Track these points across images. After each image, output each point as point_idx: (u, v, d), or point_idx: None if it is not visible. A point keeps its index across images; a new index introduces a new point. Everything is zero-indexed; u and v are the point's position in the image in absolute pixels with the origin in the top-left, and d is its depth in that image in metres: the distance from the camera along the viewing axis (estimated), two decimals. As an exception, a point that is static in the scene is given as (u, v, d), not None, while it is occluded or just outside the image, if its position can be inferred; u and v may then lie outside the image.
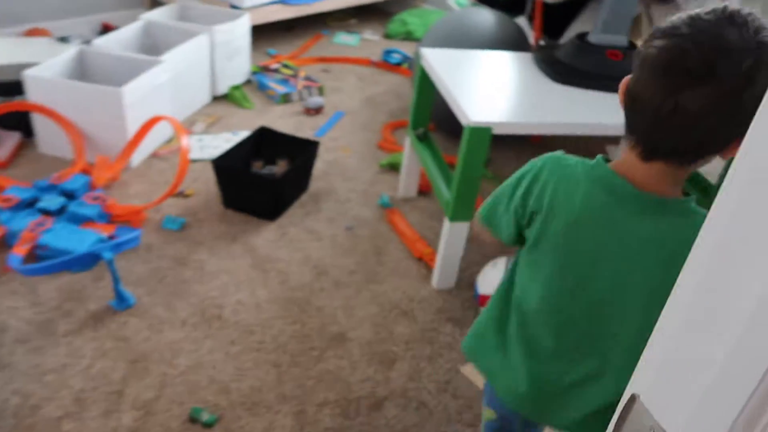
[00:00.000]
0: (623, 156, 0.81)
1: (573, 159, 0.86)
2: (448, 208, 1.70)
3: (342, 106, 2.88)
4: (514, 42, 2.43)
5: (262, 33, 3.48)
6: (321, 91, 2.94)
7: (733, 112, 0.69)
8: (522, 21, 3.06)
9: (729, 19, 0.69)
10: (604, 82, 1.81)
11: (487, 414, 1.05)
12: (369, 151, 2.55)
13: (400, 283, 1.84)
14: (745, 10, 0.70)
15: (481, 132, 1.56)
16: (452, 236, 1.74)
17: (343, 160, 2.46)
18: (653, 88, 0.73)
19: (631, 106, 0.77)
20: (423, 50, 1.96)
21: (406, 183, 2.24)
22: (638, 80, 0.76)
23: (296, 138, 2.27)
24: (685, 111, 0.70)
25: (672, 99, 0.70)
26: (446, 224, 1.73)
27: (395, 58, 3.41)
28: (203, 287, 1.76)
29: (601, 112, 1.69)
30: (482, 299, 1.69)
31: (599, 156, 0.84)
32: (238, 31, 2.82)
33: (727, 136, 0.72)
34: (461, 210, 1.69)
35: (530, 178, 0.88)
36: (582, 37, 1.96)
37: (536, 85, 1.82)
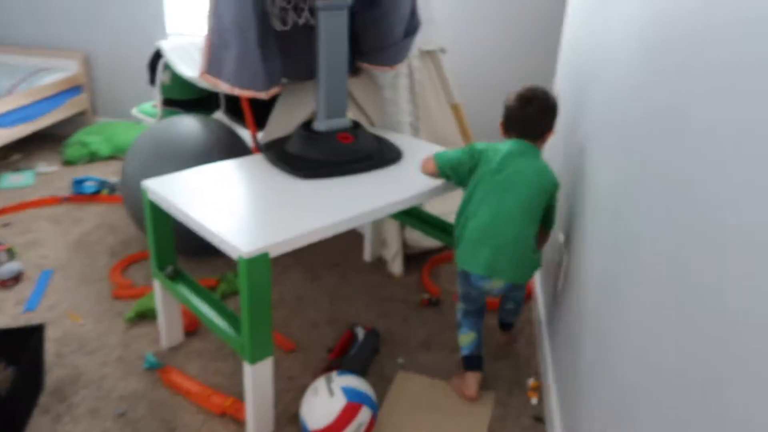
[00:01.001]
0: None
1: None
2: (245, 351, 1.47)
3: (46, 263, 2.37)
4: (228, 143, 2.30)
5: None
6: (11, 254, 2.37)
7: (545, 116, 1.67)
8: (220, 116, 2.96)
9: (533, 88, 1.69)
10: (349, 166, 1.80)
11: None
12: (105, 306, 2.12)
13: (215, 455, 1.53)
14: (534, 85, 1.71)
15: (260, 260, 1.39)
16: (258, 378, 1.51)
17: (76, 330, 1.99)
18: (520, 111, 1.66)
19: (509, 122, 1.69)
20: (147, 183, 1.69)
21: (168, 330, 1.91)
22: (512, 110, 1.67)
23: (6, 330, 1.74)
24: (532, 116, 1.66)
25: (525, 112, 1.65)
26: (248, 369, 1.49)
27: (90, 186, 2.97)
28: None
29: (365, 196, 1.66)
30: (319, 436, 1.49)
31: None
32: None
33: (545, 128, 1.68)
34: (260, 348, 1.48)
35: (472, 148, 1.71)
36: (306, 126, 1.93)
37: (286, 187, 1.71)
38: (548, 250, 2.03)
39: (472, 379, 1.74)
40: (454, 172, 1.71)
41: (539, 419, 1.70)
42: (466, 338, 1.78)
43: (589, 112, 1.65)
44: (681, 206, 0.85)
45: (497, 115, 1.75)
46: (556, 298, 1.80)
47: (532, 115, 1.64)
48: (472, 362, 1.76)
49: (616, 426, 1.05)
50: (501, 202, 1.62)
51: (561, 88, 2.35)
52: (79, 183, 2.98)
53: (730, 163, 0.70)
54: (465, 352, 1.77)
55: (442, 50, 2.45)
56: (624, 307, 1.08)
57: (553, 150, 2.24)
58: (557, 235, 1.87)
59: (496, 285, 1.68)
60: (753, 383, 0.60)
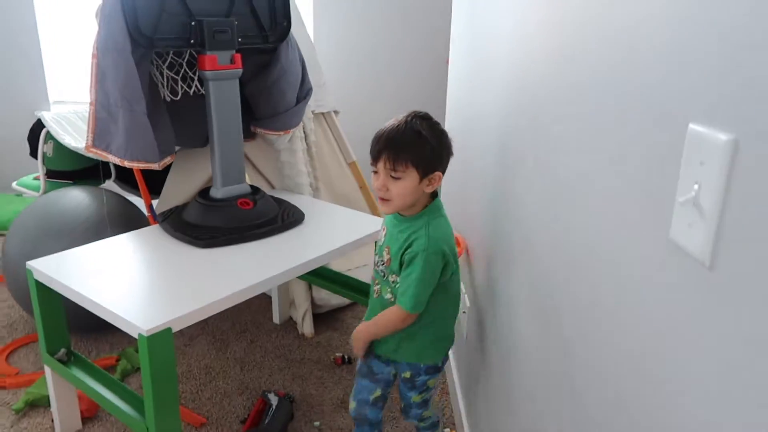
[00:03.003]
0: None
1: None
2: (150, 434, 1.41)
3: None
4: (122, 214, 2.23)
5: None
6: None
7: None
8: (111, 185, 2.86)
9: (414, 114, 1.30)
10: (250, 233, 1.80)
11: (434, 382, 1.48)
12: (-12, 399, 1.94)
13: None
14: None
15: (162, 336, 1.34)
16: (167, 461, 1.44)
17: (-45, 429, 1.81)
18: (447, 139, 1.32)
19: (445, 160, 1.31)
20: (32, 264, 1.60)
21: (63, 419, 1.78)
22: (447, 142, 1.31)
23: None
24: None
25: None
26: (155, 452, 1.42)
27: (-34, 267, 2.73)
28: None
29: (270, 260, 1.66)
30: None
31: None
32: None
33: None
34: (167, 429, 1.42)
35: (436, 267, 1.30)
36: (204, 194, 1.91)
37: (186, 258, 1.68)
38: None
39: None
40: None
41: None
42: None
43: (474, 176, 1.77)
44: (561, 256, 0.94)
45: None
46: (463, 345, 1.87)
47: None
48: None
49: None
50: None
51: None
52: (-48, 265, 2.74)
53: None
54: None
55: (335, 111, 2.53)
56: (522, 356, 1.15)
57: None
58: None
59: None
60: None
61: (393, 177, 1.24)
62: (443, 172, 1.29)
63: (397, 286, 1.33)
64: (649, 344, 0.63)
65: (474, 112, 1.80)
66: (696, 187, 0.53)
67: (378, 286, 1.42)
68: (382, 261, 1.38)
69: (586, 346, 0.81)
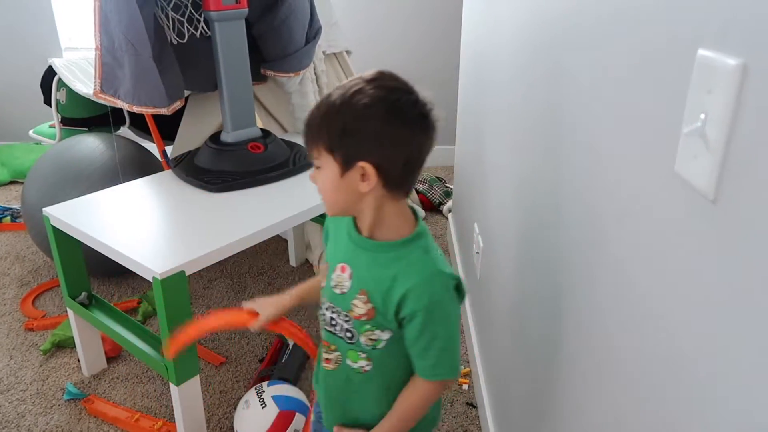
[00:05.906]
0: None
1: None
2: (170, 374, 1.45)
3: (-52, 302, 2.22)
4: (137, 160, 2.24)
5: None
6: None
7: None
8: (126, 132, 2.86)
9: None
10: (261, 176, 1.80)
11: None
12: (17, 340, 2.02)
13: (149, 481, 1.50)
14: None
15: (176, 279, 1.37)
16: (186, 399, 1.49)
17: (-13, 369, 1.89)
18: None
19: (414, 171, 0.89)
20: (49, 210, 1.63)
21: (88, 359, 1.85)
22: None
23: None
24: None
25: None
26: (174, 390, 1.47)
27: (-10, 215, 2.80)
28: None
29: (280, 204, 1.66)
30: (253, 447, 1.49)
31: None
32: None
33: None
34: (185, 368, 1.46)
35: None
36: (215, 139, 1.90)
37: (198, 202, 1.69)
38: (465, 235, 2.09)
39: None
40: None
41: (471, 405, 1.77)
42: None
43: (487, 109, 1.72)
44: (570, 199, 0.92)
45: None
46: (477, 284, 1.88)
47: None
48: None
49: (542, 418, 1.12)
50: None
51: (464, 83, 2.44)
52: (-23, 213, 2.81)
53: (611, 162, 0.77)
54: None
55: (348, 51, 2.47)
56: (536, 300, 1.15)
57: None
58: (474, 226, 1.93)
59: None
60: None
61: (315, 165, 0.89)
62: (379, 163, 0.82)
63: (378, 346, 0.91)
64: (650, 279, 0.61)
65: (488, 47, 1.75)
66: (702, 116, 0.50)
67: (336, 353, 0.96)
68: (346, 316, 0.92)
69: (591, 282, 0.80)
